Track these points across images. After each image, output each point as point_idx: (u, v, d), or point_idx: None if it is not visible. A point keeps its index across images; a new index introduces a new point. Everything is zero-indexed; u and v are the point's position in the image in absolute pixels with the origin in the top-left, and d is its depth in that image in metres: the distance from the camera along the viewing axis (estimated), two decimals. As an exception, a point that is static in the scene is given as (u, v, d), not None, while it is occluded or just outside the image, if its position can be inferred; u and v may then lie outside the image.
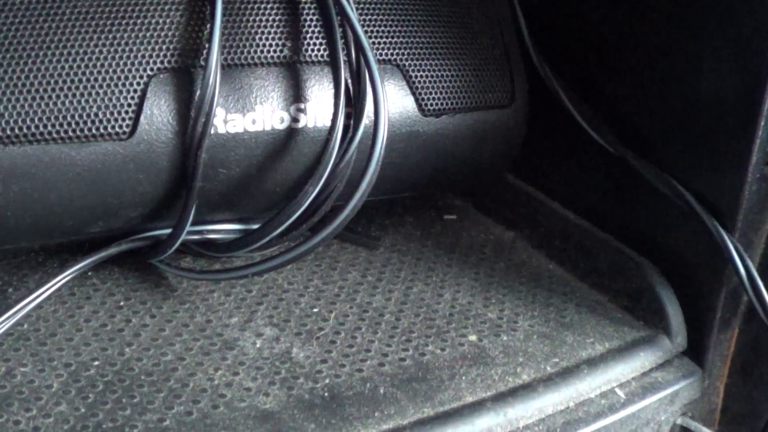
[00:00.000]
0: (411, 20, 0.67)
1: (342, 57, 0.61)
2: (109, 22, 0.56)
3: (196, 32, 0.58)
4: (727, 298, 0.63)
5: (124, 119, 0.56)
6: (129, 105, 0.56)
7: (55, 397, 0.51)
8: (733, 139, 0.60)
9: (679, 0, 0.62)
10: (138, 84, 0.56)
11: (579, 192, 0.74)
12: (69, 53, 0.54)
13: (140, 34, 0.56)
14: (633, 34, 0.67)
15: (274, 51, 0.61)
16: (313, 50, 0.62)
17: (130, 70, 0.56)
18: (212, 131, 0.58)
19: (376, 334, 0.60)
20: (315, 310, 0.63)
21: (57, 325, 0.58)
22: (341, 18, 0.60)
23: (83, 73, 0.55)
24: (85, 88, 0.55)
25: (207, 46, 0.57)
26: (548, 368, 0.58)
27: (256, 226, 0.63)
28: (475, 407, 0.54)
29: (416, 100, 0.67)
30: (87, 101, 0.55)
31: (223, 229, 0.66)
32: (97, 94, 0.55)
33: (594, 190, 0.73)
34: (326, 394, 0.53)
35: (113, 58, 0.56)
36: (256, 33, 0.60)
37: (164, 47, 0.57)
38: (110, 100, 0.56)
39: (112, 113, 0.56)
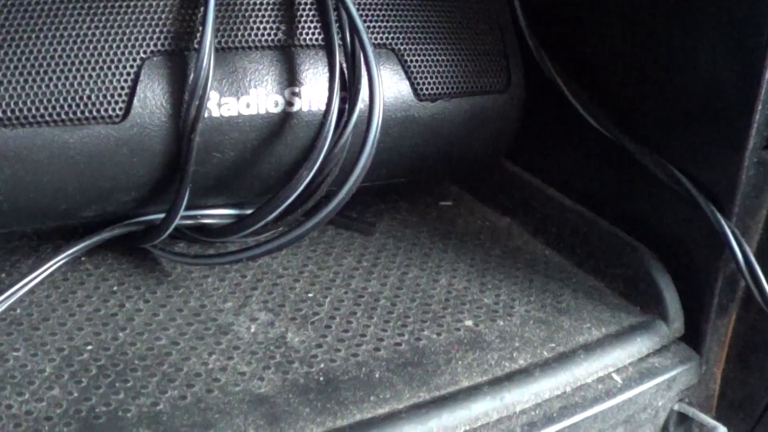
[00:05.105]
0: (406, 4, 0.67)
1: (337, 40, 0.60)
2: (102, 5, 0.55)
3: (189, 15, 0.58)
4: (724, 283, 0.62)
5: (117, 102, 0.56)
6: (122, 88, 0.56)
7: (48, 382, 0.50)
8: (730, 124, 0.59)
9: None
10: (131, 67, 0.56)
11: (575, 178, 0.74)
12: (62, 35, 0.54)
13: (134, 17, 0.56)
14: (629, 19, 0.67)
15: (269, 34, 0.60)
16: (307, 34, 0.62)
17: (123, 53, 0.56)
18: (206, 115, 0.58)
19: (372, 319, 0.60)
20: (310, 295, 0.63)
21: (50, 310, 0.58)
22: (336, 1, 0.60)
23: (76, 56, 0.54)
24: (78, 70, 0.54)
25: (201, 29, 0.56)
26: (545, 353, 0.58)
27: (250, 211, 0.62)
28: (472, 392, 0.54)
29: (411, 84, 0.66)
30: (80, 84, 0.54)
31: (217, 214, 0.65)
32: (90, 76, 0.55)
33: (591, 176, 0.73)
34: (321, 379, 0.53)
35: (106, 40, 0.55)
36: (250, 16, 0.60)
37: (158, 30, 0.57)
38: (103, 82, 0.55)
39: (105, 96, 0.55)
